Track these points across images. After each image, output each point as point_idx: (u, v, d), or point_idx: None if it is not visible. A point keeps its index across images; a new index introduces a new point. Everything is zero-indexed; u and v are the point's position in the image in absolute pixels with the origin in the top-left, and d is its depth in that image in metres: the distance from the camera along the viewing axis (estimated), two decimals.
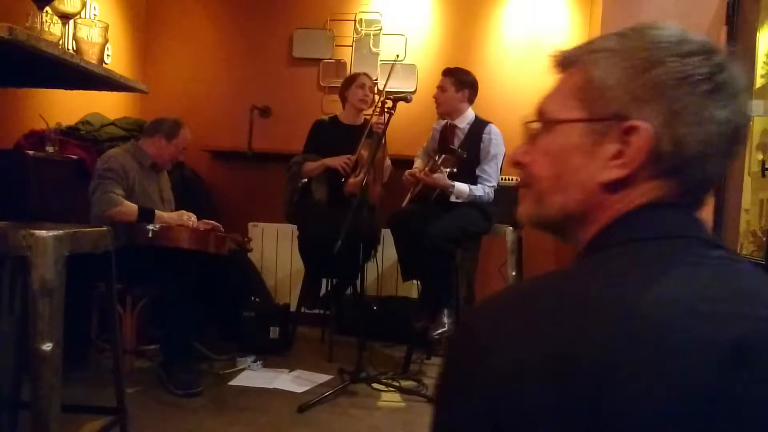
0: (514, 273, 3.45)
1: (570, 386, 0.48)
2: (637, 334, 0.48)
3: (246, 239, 3.38)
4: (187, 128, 3.03)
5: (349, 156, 3.27)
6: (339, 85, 3.58)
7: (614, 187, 0.62)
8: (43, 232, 1.48)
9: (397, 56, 3.86)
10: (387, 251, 3.53)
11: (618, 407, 0.47)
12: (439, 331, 2.95)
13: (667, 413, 0.46)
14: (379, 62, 4.05)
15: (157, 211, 2.82)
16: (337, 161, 3.27)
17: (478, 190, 3.09)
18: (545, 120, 0.67)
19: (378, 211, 3.33)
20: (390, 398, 2.73)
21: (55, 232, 1.50)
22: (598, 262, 0.60)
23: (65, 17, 2.10)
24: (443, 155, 3.10)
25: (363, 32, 4.08)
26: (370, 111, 3.52)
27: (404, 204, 3.27)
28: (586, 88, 0.64)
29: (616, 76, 0.62)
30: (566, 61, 0.68)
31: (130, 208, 2.74)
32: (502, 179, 3.28)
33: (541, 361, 0.49)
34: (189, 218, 2.89)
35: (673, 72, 0.60)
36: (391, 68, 3.40)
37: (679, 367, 0.47)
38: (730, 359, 0.47)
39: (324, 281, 3.51)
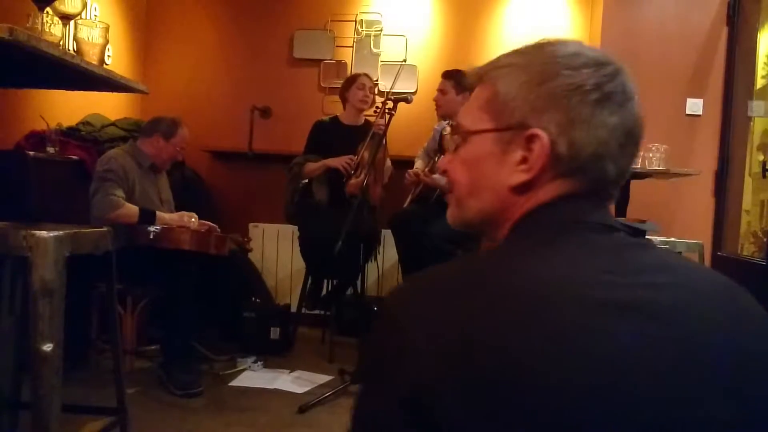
0: None
1: (473, 364, 0.52)
2: (532, 310, 0.54)
3: (246, 239, 3.38)
4: (185, 127, 3.02)
5: (350, 156, 3.27)
6: (339, 86, 3.58)
7: (522, 189, 0.68)
8: (43, 233, 1.48)
9: (404, 60, 3.87)
10: (388, 252, 3.53)
11: (518, 376, 0.51)
12: None
13: (565, 375, 0.50)
14: (380, 63, 4.05)
15: (158, 213, 2.82)
16: (339, 162, 3.27)
17: None
18: (461, 132, 0.74)
19: (378, 211, 3.33)
20: None
21: (56, 233, 1.50)
22: (501, 249, 0.68)
23: (66, 18, 2.09)
24: (444, 155, 3.10)
25: (363, 33, 4.08)
26: (370, 111, 3.53)
27: (405, 204, 3.27)
28: (493, 101, 0.70)
29: (517, 88, 0.68)
30: (477, 77, 0.74)
31: (132, 210, 2.74)
32: None
33: (448, 341, 0.53)
34: (190, 219, 2.89)
35: (567, 83, 0.66)
36: (399, 71, 3.40)
37: (574, 329, 0.52)
38: (619, 316, 0.54)
39: (325, 282, 3.51)
